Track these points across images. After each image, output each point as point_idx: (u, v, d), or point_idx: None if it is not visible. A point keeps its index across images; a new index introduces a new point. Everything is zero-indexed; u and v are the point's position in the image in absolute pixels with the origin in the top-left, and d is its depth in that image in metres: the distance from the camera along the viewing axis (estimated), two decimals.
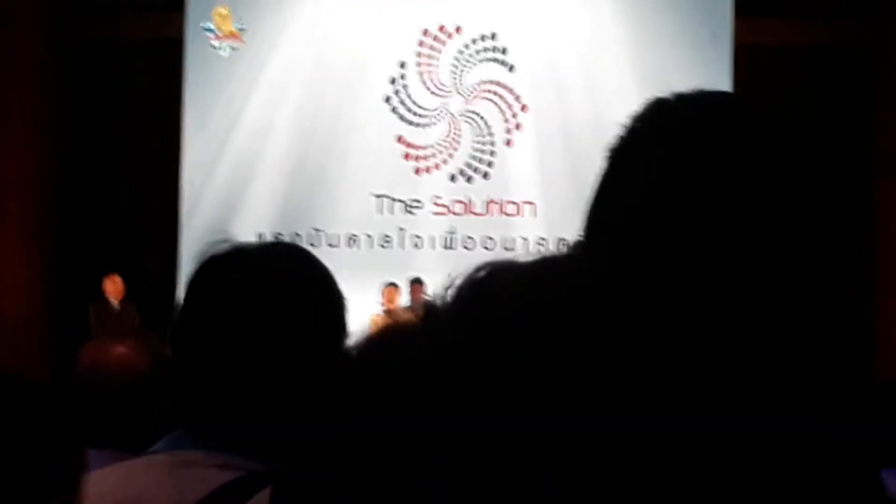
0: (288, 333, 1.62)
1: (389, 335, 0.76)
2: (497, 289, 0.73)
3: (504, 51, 15.10)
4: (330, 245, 14.73)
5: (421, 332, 0.73)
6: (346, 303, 1.72)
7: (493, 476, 0.65)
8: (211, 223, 14.69)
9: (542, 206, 14.98)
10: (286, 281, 1.67)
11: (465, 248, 14.97)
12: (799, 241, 0.96)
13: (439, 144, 15.11)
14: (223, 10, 15.00)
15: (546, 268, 0.74)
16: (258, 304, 1.63)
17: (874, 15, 14.39)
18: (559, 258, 0.75)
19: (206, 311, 1.66)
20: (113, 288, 13.47)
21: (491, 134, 15.11)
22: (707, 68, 14.56)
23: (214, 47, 15.03)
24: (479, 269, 0.76)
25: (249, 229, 14.35)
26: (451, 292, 0.75)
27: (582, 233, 1.02)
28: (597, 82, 14.88)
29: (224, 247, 1.72)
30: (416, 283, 13.73)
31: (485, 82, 15.13)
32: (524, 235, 14.96)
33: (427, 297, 0.75)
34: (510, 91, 15.11)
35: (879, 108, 14.25)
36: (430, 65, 15.16)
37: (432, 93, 15.15)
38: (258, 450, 1.59)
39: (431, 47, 15.15)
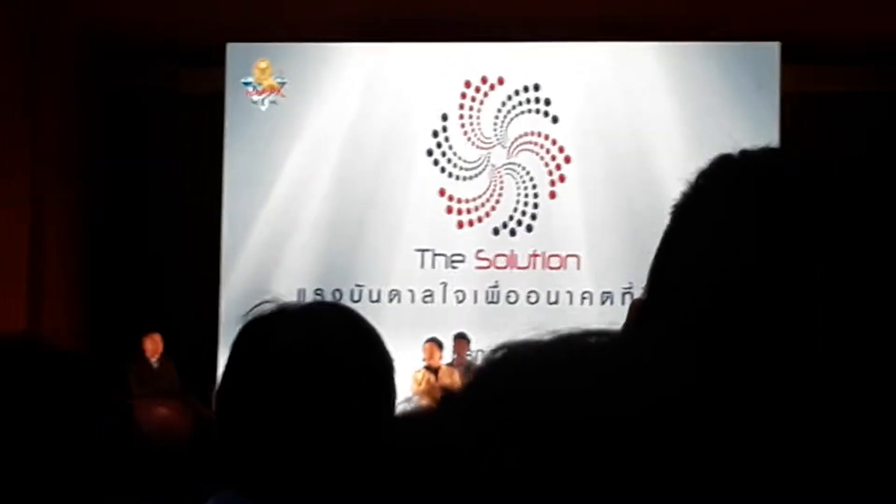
0: (335, 395, 1.60)
1: (414, 418, 0.79)
2: (510, 371, 0.75)
3: (547, 102, 15.01)
4: (372, 301, 14.64)
5: (438, 414, 0.76)
6: (393, 364, 1.70)
7: None
8: (251, 279, 14.66)
9: (586, 259, 14.84)
10: (333, 342, 1.65)
11: (509, 302, 14.83)
12: (875, 313, 0.91)
13: (482, 197, 15.00)
14: (263, 64, 14.99)
15: (563, 350, 0.76)
16: (304, 365, 1.61)
17: None
18: (579, 340, 0.77)
19: (252, 371, 1.64)
20: (152, 347, 13.44)
21: (534, 186, 15.00)
22: (754, 116, 14.42)
23: (254, 101, 15.00)
24: (496, 350, 0.77)
25: (290, 285, 14.31)
26: (470, 374, 0.77)
27: (645, 292, 1.00)
28: (642, 132, 14.76)
29: (269, 307, 1.69)
30: (461, 339, 13.60)
31: (528, 134, 15.03)
32: (569, 289, 14.81)
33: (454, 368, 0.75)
34: (553, 142, 15.00)
35: None
36: (472, 117, 15.08)
37: (475, 145, 15.06)
38: None
39: (473, 99, 15.08)
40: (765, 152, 1.00)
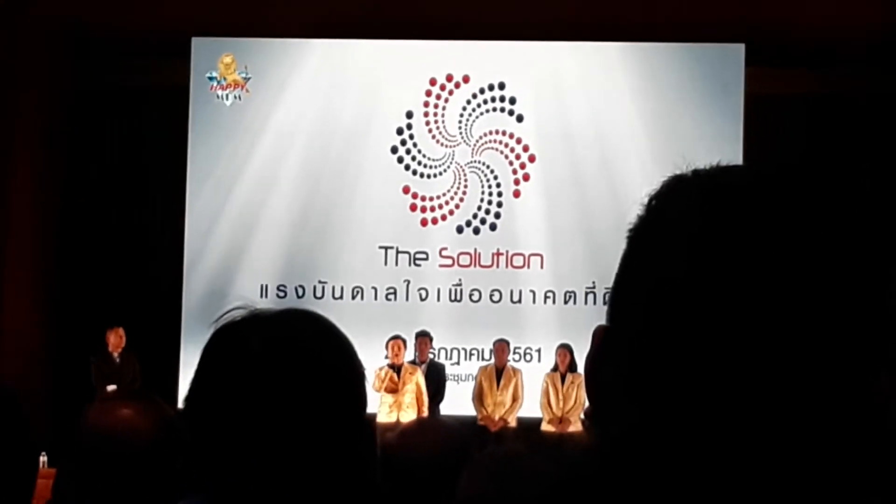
0: (306, 402, 1.60)
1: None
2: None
3: (512, 100, 15.02)
4: (335, 298, 14.62)
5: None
6: (364, 372, 1.70)
7: None
8: (214, 274, 14.62)
9: (549, 258, 14.85)
10: (306, 349, 1.65)
11: (472, 300, 14.83)
12: (839, 333, 0.91)
13: (446, 195, 15.00)
14: (227, 59, 14.92)
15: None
16: (276, 371, 1.61)
17: (890, 64, 14.31)
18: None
19: (225, 377, 1.63)
20: (115, 341, 13.41)
21: (498, 185, 15.00)
22: (718, 118, 14.49)
23: (218, 97, 14.94)
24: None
25: (252, 281, 14.29)
26: None
27: (607, 317, 1.00)
28: (606, 132, 14.80)
29: (241, 313, 1.68)
30: (423, 337, 13.58)
31: (492, 132, 15.04)
32: (532, 288, 14.82)
33: None
34: (518, 141, 15.01)
35: None
36: (437, 115, 15.07)
37: (440, 143, 15.06)
38: None
39: (439, 97, 15.07)
40: (716, 170, 0.99)
